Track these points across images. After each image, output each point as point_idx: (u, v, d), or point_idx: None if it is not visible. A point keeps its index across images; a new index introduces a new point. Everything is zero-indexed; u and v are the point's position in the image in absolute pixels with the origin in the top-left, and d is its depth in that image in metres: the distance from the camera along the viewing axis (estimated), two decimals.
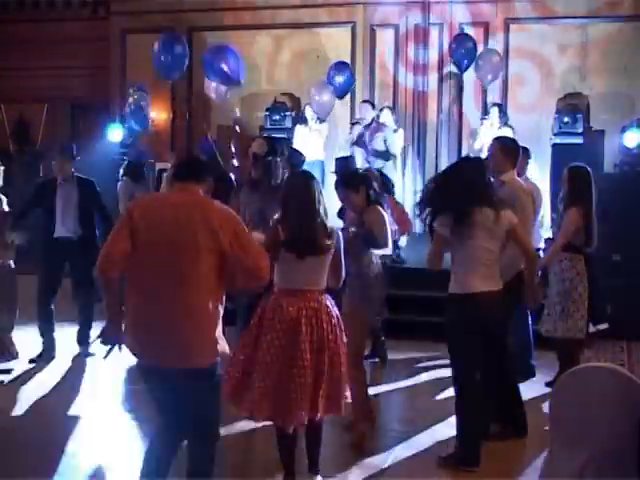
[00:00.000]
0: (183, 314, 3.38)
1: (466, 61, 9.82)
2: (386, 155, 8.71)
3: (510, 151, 5.28)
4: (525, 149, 6.19)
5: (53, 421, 5.28)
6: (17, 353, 6.62)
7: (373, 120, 9.01)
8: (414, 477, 4.50)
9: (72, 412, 5.45)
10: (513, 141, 5.57)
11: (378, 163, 8.57)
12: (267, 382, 3.93)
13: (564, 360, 5.72)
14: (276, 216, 4.21)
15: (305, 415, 3.95)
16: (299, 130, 9.72)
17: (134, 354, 3.49)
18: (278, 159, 5.93)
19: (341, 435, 4.87)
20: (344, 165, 7.81)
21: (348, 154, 8.85)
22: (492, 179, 5.16)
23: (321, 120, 9.79)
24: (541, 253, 6.15)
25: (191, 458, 3.58)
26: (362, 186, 4.95)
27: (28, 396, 5.76)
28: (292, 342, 3.94)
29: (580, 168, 5.79)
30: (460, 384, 4.57)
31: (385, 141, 8.77)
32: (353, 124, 9.49)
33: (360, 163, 8.85)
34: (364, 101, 9.64)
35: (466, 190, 4.45)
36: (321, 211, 4.05)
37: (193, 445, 3.58)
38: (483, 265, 4.46)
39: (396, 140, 9.27)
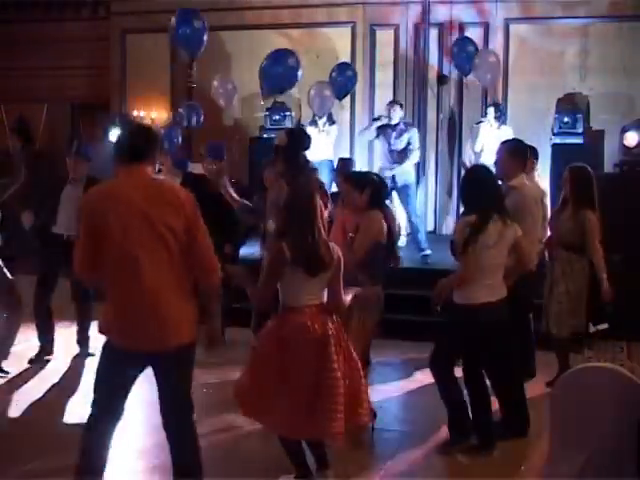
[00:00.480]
0: (165, 296, 3.42)
1: (468, 65, 9.80)
2: (405, 153, 8.73)
3: (519, 154, 5.21)
4: (532, 149, 6.16)
5: (52, 422, 5.28)
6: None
7: (401, 121, 8.99)
8: (414, 477, 4.51)
9: (72, 412, 5.44)
10: (521, 142, 5.49)
11: (397, 169, 8.57)
12: (301, 403, 3.89)
13: (563, 360, 5.74)
14: (273, 228, 4.18)
15: (343, 426, 3.93)
16: (310, 131, 9.71)
17: (119, 345, 3.47)
18: (303, 153, 5.81)
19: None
20: (342, 165, 7.84)
21: (348, 156, 8.86)
22: (500, 184, 5.18)
23: (331, 122, 9.78)
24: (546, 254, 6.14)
25: (181, 440, 3.60)
26: (368, 188, 4.92)
27: (27, 397, 5.75)
28: (322, 357, 3.92)
29: (582, 168, 5.78)
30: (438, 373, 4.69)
31: (409, 140, 8.82)
32: (374, 120, 9.44)
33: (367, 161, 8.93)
34: (393, 101, 9.50)
35: (480, 198, 4.44)
36: (321, 225, 4.04)
37: (178, 426, 3.60)
38: (489, 273, 4.45)
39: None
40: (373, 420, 4.97)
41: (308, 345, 3.91)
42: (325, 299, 4.07)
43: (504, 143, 5.45)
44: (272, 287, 4.02)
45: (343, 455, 4.69)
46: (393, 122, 8.89)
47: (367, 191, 4.90)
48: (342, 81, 10.14)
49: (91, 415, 3.59)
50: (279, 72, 9.85)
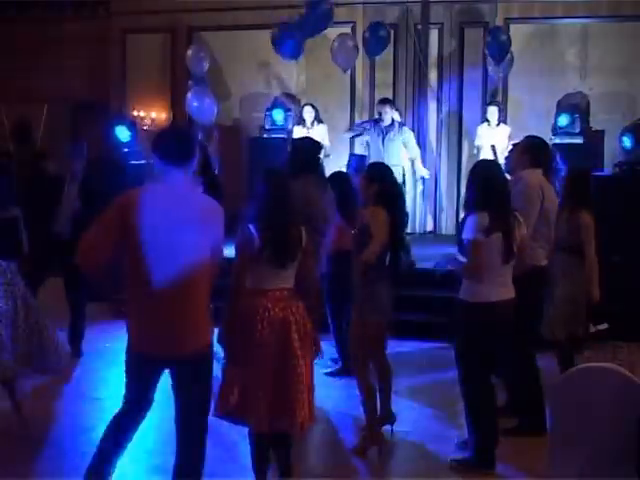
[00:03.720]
0: (189, 303, 3.48)
1: (499, 55, 9.74)
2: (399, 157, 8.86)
3: (530, 148, 5.17)
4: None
5: (45, 421, 5.28)
6: None
7: (394, 121, 9.04)
8: (414, 477, 4.51)
9: (65, 412, 5.44)
10: (539, 140, 5.41)
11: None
12: (267, 390, 3.84)
13: (565, 361, 5.73)
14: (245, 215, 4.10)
15: (308, 414, 3.92)
16: (298, 131, 9.70)
17: (140, 348, 3.52)
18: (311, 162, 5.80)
19: (341, 435, 4.87)
20: (360, 162, 7.77)
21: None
22: (509, 176, 5.16)
23: (319, 121, 9.79)
24: None
25: (185, 448, 3.59)
26: (375, 183, 4.78)
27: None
28: (283, 342, 3.88)
29: (582, 170, 5.80)
30: (474, 385, 4.53)
31: (404, 143, 8.91)
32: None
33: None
34: (383, 100, 9.57)
35: (498, 192, 4.41)
36: (296, 211, 4.01)
37: (187, 434, 3.60)
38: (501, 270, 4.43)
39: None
40: (393, 423, 4.98)
41: (267, 327, 3.85)
42: (292, 283, 4.00)
43: (525, 137, 5.38)
44: (244, 278, 3.94)
45: (342, 455, 4.71)
46: (385, 123, 8.92)
47: (374, 186, 4.76)
48: (374, 40, 10.07)
49: (122, 408, 3.64)
50: None
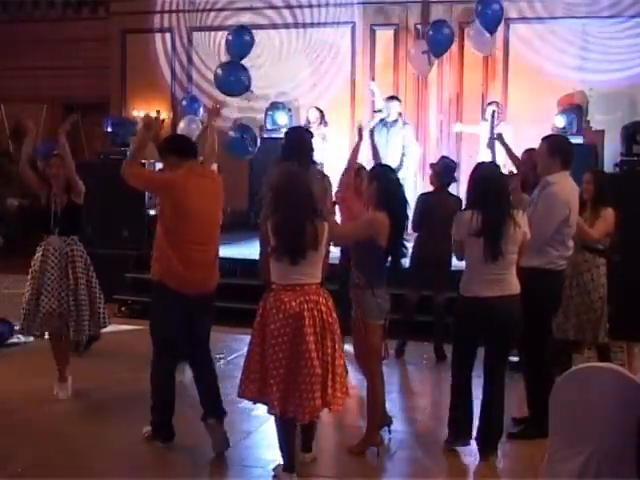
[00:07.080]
0: (212, 256, 4.63)
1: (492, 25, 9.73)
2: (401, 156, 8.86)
3: (557, 150, 4.99)
4: None
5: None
6: None
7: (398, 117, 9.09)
8: (414, 477, 4.51)
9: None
10: (565, 139, 5.32)
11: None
12: (278, 378, 3.98)
13: (563, 362, 5.74)
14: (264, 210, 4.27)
15: (320, 406, 4.04)
16: None
17: (175, 289, 4.47)
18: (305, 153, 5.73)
19: (341, 434, 4.87)
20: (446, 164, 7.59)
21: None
22: (540, 179, 5.07)
23: (325, 123, 9.76)
24: None
25: (203, 372, 4.68)
26: (375, 181, 4.72)
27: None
28: (297, 336, 3.99)
29: (603, 172, 5.83)
30: (454, 375, 4.73)
31: (404, 138, 8.92)
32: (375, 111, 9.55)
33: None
34: (391, 97, 9.56)
35: (497, 192, 4.45)
36: (313, 207, 4.04)
37: (203, 360, 4.69)
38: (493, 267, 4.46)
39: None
40: (390, 424, 4.97)
41: (284, 322, 3.98)
42: (319, 279, 4.13)
43: (545, 138, 5.23)
44: (268, 272, 4.18)
45: (342, 455, 4.71)
46: (390, 118, 8.92)
47: (374, 185, 4.67)
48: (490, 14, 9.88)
49: (155, 355, 4.61)
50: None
